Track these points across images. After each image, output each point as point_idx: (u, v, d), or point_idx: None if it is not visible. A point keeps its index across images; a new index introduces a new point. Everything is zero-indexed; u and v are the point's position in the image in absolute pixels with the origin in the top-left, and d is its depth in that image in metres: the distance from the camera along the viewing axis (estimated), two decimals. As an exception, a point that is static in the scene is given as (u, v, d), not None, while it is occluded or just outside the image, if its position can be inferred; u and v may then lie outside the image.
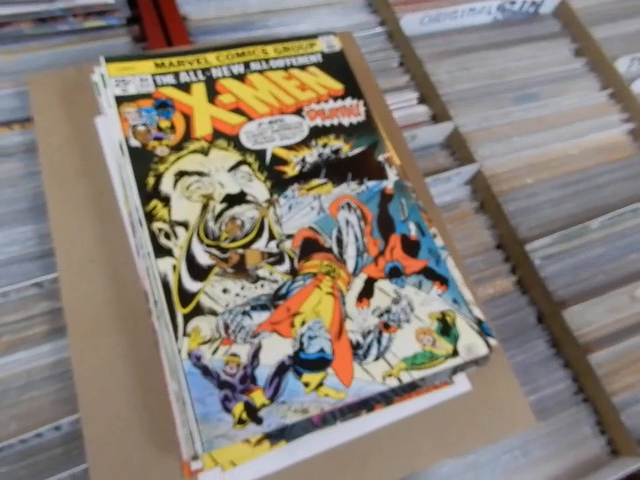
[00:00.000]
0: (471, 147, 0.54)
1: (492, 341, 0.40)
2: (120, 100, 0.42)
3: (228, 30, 0.57)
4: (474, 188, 0.55)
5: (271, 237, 0.40)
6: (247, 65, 0.47)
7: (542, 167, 0.56)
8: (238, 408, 0.34)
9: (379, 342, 0.38)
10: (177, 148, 0.42)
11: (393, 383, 0.36)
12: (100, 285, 0.40)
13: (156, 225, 0.38)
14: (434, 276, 0.41)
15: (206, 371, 0.34)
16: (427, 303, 0.40)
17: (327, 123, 0.46)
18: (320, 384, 0.35)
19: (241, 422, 0.33)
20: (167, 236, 0.38)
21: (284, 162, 0.43)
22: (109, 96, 0.43)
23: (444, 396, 0.40)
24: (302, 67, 0.48)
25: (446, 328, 0.39)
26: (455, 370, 0.39)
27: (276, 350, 0.36)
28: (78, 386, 0.37)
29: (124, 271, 0.41)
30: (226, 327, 0.36)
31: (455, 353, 0.38)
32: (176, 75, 0.45)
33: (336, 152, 0.44)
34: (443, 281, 0.41)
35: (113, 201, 0.43)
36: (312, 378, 0.35)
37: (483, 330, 0.40)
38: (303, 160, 0.43)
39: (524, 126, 0.59)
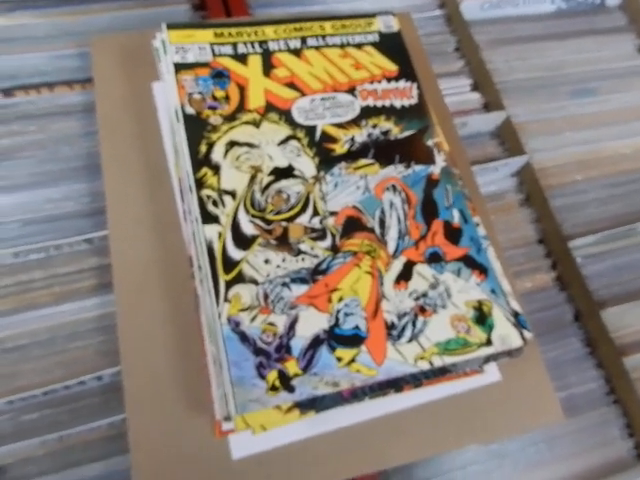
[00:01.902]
0: (522, 138, 0.53)
1: (527, 334, 0.40)
2: (179, 67, 0.43)
3: (286, 4, 0.57)
4: (521, 180, 0.54)
5: (315, 213, 0.40)
6: (304, 40, 0.47)
7: (593, 164, 0.55)
8: (272, 375, 0.35)
9: (414, 325, 0.38)
10: (230, 118, 0.42)
11: (424, 366, 0.37)
12: (147, 245, 0.42)
13: (205, 192, 0.39)
14: (474, 265, 0.41)
15: (244, 337, 0.35)
16: (465, 291, 0.40)
17: (379, 104, 0.46)
18: (352, 360, 0.36)
19: (274, 389, 0.34)
20: (215, 204, 0.39)
21: (333, 140, 0.43)
22: (168, 62, 0.43)
23: (473, 384, 0.41)
24: (358, 46, 0.48)
25: (482, 317, 0.39)
26: (487, 359, 0.39)
27: (312, 323, 0.37)
28: (121, 340, 0.39)
29: (170, 234, 0.42)
30: (265, 296, 0.37)
31: (489, 342, 0.38)
32: (234, 46, 0.45)
33: (385, 133, 0.44)
34: (482, 270, 0.41)
35: (164, 165, 0.45)
36: (345, 353, 0.36)
37: (519, 322, 0.40)
38: (352, 139, 0.44)
39: (578, 121, 0.57)
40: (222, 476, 0.36)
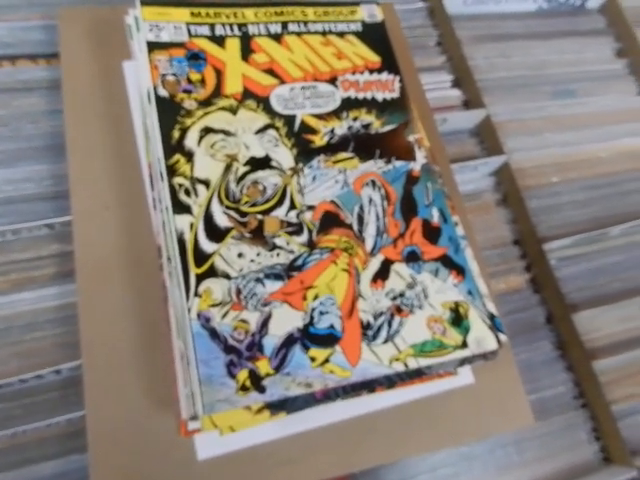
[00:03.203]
0: (501, 138, 0.53)
1: (502, 337, 0.39)
2: (152, 46, 0.41)
3: (267, -14, 0.55)
4: (499, 180, 0.53)
5: (292, 206, 0.39)
6: (285, 25, 0.45)
7: (570, 166, 0.55)
8: (242, 375, 0.33)
9: (390, 325, 0.37)
10: (206, 103, 0.40)
11: (399, 368, 0.36)
12: (113, 233, 0.40)
13: (177, 180, 0.37)
14: (452, 265, 0.40)
15: (214, 334, 0.34)
16: (442, 291, 0.39)
17: (360, 96, 0.44)
18: (326, 360, 0.35)
19: (244, 389, 0.33)
20: (187, 193, 0.37)
21: (313, 131, 0.42)
22: (141, 41, 0.41)
23: (446, 386, 0.40)
24: (341, 34, 0.46)
25: (458, 319, 0.39)
26: (462, 362, 0.38)
27: (286, 321, 0.35)
28: (82, 332, 0.37)
29: (138, 222, 0.40)
30: (238, 292, 0.35)
31: (464, 345, 0.38)
32: (212, 27, 0.43)
33: (366, 127, 0.43)
34: (460, 271, 0.40)
35: (133, 149, 0.42)
36: (319, 353, 0.35)
37: (495, 325, 0.39)
38: (332, 131, 0.42)
39: (557, 122, 0.57)
40: (186, 477, 0.35)
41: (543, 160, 0.55)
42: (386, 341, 0.37)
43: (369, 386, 0.36)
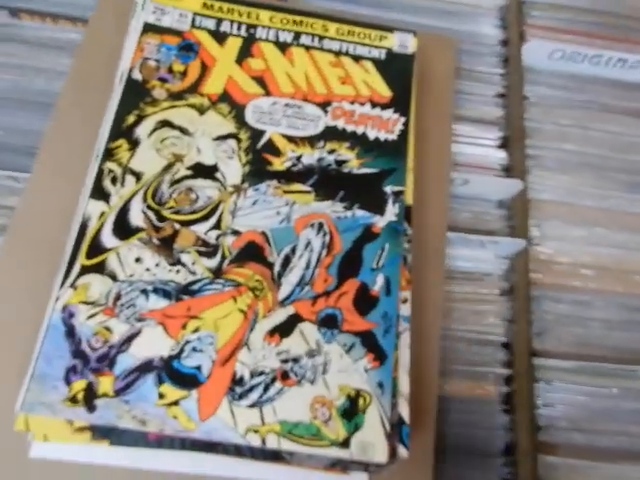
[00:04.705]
0: (534, 219, 0.44)
1: (403, 452, 0.32)
2: (147, 28, 0.40)
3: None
4: (513, 267, 0.44)
5: (217, 226, 0.35)
6: (297, 36, 0.41)
7: (613, 275, 0.44)
8: (79, 385, 0.30)
9: (265, 389, 0.32)
10: (176, 97, 0.38)
11: (254, 441, 0.31)
12: (61, 204, 0.39)
13: (108, 165, 0.36)
14: (373, 346, 0.33)
15: (70, 332, 0.31)
16: (346, 372, 0.33)
17: (349, 128, 0.39)
18: (176, 402, 0.31)
19: (73, 400, 0.30)
20: (114, 181, 0.35)
21: (277, 152, 0.38)
22: (139, 21, 0.40)
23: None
24: (356, 58, 0.41)
25: (351, 411, 0.32)
26: (336, 464, 0.32)
27: (152, 345, 0.32)
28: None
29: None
30: (117, 297, 0.33)
31: (345, 444, 0.31)
32: (218, 22, 0.41)
33: (340, 163, 0.38)
34: (380, 356, 0.33)
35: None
36: (171, 392, 0.31)
37: (399, 434, 0.32)
38: (298, 158, 0.38)
39: (621, 219, 0.46)
40: (9, 469, 0.33)
41: (584, 259, 0.45)
42: (253, 406, 0.31)
43: (213, 449, 0.31)
